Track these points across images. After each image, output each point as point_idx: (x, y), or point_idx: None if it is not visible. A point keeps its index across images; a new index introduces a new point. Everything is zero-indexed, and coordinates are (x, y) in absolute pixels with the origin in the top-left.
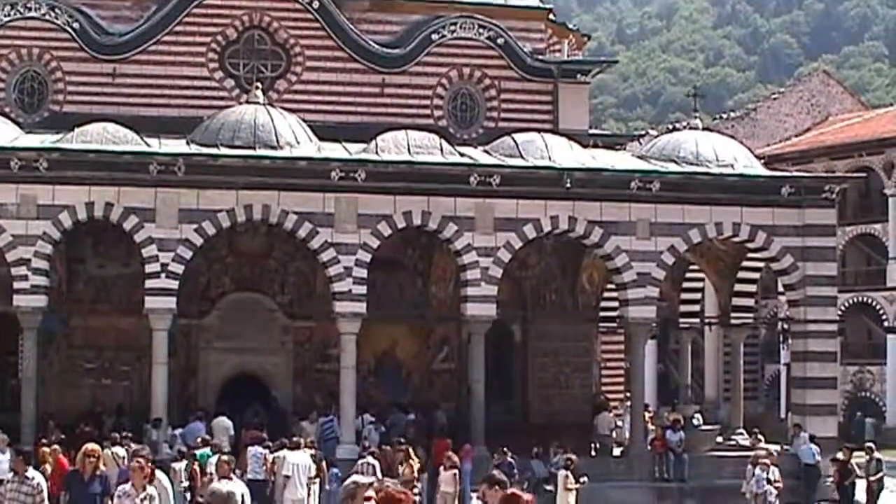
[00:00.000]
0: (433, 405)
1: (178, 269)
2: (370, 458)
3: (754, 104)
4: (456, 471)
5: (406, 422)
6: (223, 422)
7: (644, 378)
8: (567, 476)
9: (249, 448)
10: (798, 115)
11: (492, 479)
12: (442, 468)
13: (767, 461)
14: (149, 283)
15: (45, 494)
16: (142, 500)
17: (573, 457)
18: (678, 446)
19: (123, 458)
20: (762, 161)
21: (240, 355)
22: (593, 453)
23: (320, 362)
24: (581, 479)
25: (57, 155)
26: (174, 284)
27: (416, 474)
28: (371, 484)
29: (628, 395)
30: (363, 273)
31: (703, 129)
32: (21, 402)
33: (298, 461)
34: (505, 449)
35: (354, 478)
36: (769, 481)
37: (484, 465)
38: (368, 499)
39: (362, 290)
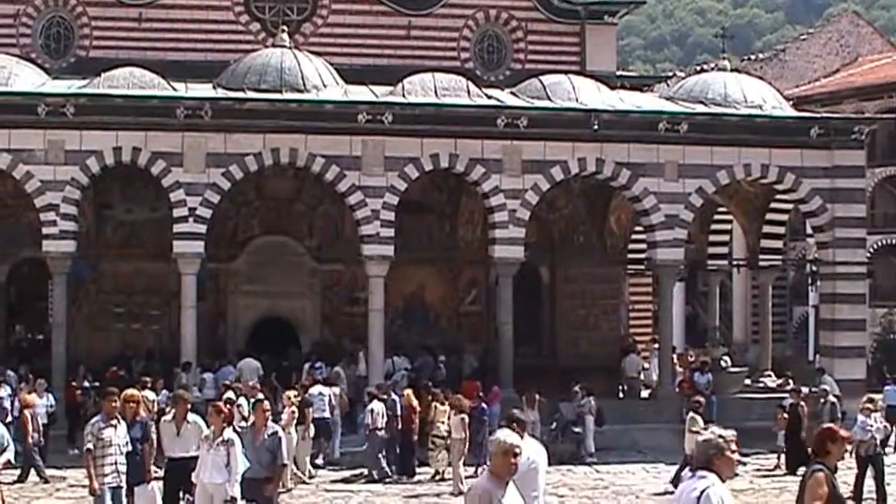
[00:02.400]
0: (461, 348)
1: (206, 213)
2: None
3: (783, 45)
4: (464, 416)
5: (435, 364)
6: (251, 363)
7: (672, 320)
8: (694, 419)
9: (312, 388)
10: (827, 57)
11: (510, 417)
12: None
13: (871, 406)
14: (177, 228)
15: (128, 438)
16: (218, 445)
17: (701, 399)
18: (706, 388)
19: (153, 401)
20: (791, 102)
21: (268, 299)
22: (621, 396)
23: (348, 305)
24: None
25: (84, 100)
26: (202, 229)
27: (447, 419)
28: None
29: (656, 337)
30: (391, 216)
31: (732, 70)
32: (51, 347)
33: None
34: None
35: (507, 437)
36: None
37: (512, 407)
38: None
39: (390, 232)
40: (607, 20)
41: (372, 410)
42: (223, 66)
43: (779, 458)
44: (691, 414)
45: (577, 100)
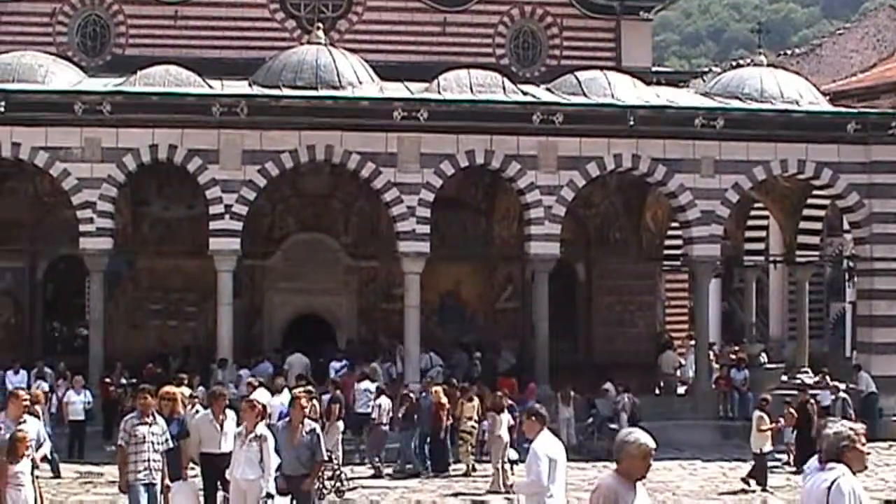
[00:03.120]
0: (498, 345)
1: (242, 210)
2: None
3: (819, 40)
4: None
5: (470, 361)
6: (300, 358)
7: (708, 317)
8: (762, 417)
9: (358, 384)
10: (864, 51)
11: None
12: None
13: None
14: (213, 225)
15: (168, 435)
16: (250, 440)
17: (768, 397)
18: (743, 385)
19: (192, 398)
20: (827, 97)
21: (304, 296)
22: (657, 392)
23: (384, 302)
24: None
25: (120, 98)
26: (238, 226)
27: (475, 416)
28: None
29: (692, 333)
30: (426, 212)
31: (768, 65)
32: (88, 344)
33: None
34: (573, 390)
35: (645, 439)
36: None
37: (548, 404)
38: None
39: (426, 229)
40: (642, 16)
41: (379, 406)
42: (259, 64)
43: (788, 455)
44: (758, 412)
45: (612, 96)
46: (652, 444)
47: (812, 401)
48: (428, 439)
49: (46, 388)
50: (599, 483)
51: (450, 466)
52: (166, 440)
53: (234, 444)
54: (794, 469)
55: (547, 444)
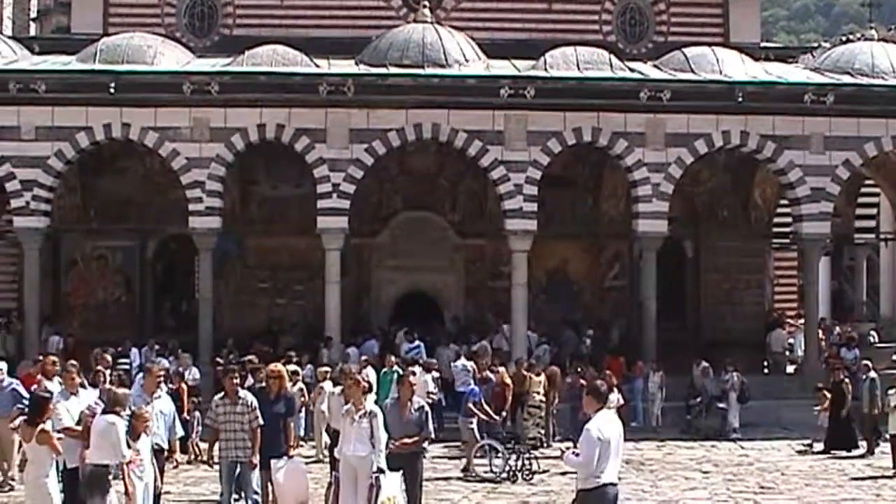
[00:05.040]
0: (605, 323)
1: (350, 188)
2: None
3: None
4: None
5: (577, 339)
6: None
7: (818, 295)
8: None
9: (456, 362)
10: None
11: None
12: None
13: None
14: (321, 204)
15: (258, 412)
16: (360, 417)
17: None
18: (853, 364)
19: (294, 374)
20: None
21: (411, 274)
22: (766, 371)
23: (491, 280)
24: None
25: (228, 78)
26: (346, 204)
27: (542, 390)
28: None
29: (801, 312)
30: (534, 190)
31: (879, 40)
32: (198, 322)
33: None
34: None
35: None
36: None
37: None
38: None
39: (533, 207)
40: None
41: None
42: (365, 43)
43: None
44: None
45: (720, 72)
46: None
47: (847, 381)
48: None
49: (168, 366)
50: None
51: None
52: (256, 418)
53: (344, 421)
54: (821, 451)
55: (602, 425)
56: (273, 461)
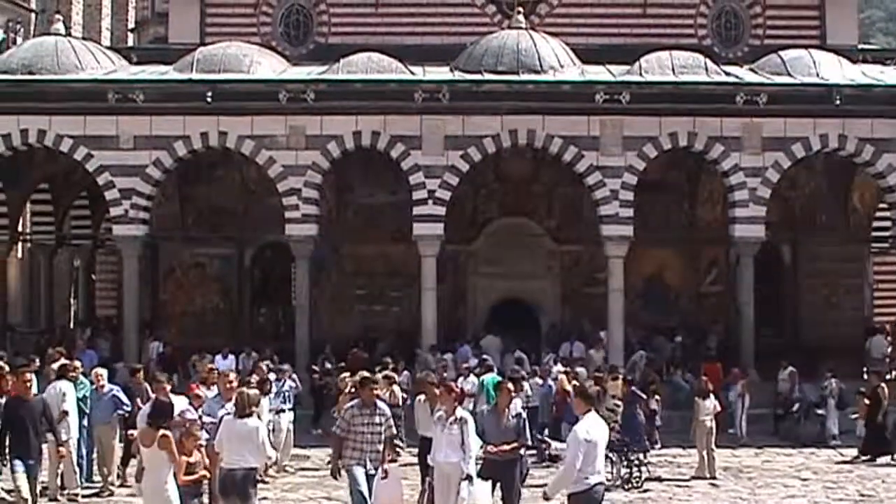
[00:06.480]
0: (703, 329)
1: (445, 195)
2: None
3: None
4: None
5: (670, 345)
6: (494, 340)
7: None
8: None
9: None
10: None
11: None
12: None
13: None
14: (416, 210)
15: (392, 421)
16: (451, 423)
17: None
18: None
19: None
20: None
21: (507, 280)
22: (865, 377)
23: (588, 286)
24: None
25: (324, 86)
26: (441, 211)
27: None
28: None
29: None
30: (629, 196)
31: None
32: (294, 330)
33: None
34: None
35: None
36: None
37: (754, 388)
38: None
39: (629, 212)
40: None
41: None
42: (460, 49)
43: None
44: None
45: (817, 74)
46: None
47: (883, 386)
48: (545, 430)
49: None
50: None
51: None
52: (390, 426)
53: (435, 429)
54: (856, 456)
55: (590, 427)
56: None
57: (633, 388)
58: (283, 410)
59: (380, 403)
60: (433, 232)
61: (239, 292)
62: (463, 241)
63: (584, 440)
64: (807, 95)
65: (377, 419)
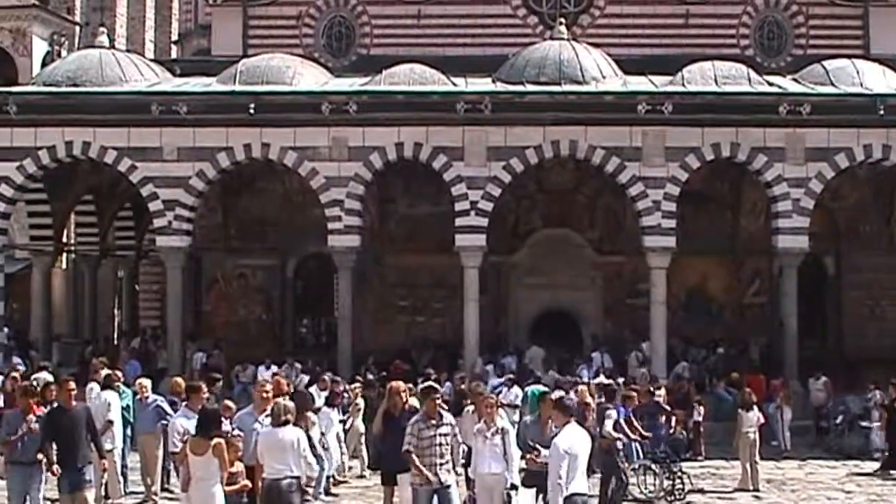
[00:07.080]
0: (746, 340)
1: (488, 206)
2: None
3: None
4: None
5: (713, 356)
6: (539, 351)
7: None
8: None
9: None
10: None
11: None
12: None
13: None
14: (459, 221)
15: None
16: (492, 434)
17: None
18: None
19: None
20: None
21: (550, 291)
22: None
23: (630, 297)
24: None
25: (366, 97)
26: (484, 222)
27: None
28: None
29: None
30: (672, 207)
31: None
32: (338, 340)
33: None
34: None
35: None
36: None
37: (798, 400)
38: None
39: (671, 223)
40: (891, 1)
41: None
42: (502, 60)
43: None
44: None
45: (861, 84)
46: None
47: None
48: None
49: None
50: None
51: None
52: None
53: (476, 440)
54: (877, 470)
55: (569, 439)
56: (399, 476)
57: (657, 398)
58: (344, 421)
59: (445, 414)
60: (476, 243)
61: (281, 303)
62: (505, 252)
63: (564, 452)
64: (850, 105)
65: (443, 429)
